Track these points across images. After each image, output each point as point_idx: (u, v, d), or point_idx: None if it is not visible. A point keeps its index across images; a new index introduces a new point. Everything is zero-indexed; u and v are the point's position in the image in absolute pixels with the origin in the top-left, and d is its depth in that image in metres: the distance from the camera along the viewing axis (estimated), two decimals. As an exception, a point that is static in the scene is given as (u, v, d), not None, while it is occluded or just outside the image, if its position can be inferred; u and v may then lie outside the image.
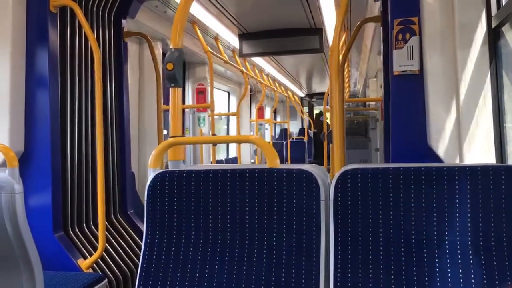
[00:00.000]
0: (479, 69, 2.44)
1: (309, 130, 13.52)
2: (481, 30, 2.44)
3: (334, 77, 2.68)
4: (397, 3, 2.69)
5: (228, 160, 9.19)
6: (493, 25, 2.41)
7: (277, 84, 10.87)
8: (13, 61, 2.88)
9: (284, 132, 13.95)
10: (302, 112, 14.59)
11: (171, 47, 2.05)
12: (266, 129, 12.96)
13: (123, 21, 3.81)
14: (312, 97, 16.50)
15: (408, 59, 2.64)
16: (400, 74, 2.65)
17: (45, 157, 2.92)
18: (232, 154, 10.00)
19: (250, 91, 10.30)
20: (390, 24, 2.69)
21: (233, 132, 10.19)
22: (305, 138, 12.61)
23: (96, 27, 3.46)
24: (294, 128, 16.81)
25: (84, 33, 3.24)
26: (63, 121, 3.10)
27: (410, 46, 2.64)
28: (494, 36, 2.43)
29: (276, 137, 15.57)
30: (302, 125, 15.52)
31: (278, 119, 15.92)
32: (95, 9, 3.42)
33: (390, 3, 2.71)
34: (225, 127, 10.59)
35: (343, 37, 4.72)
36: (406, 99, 2.68)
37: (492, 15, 2.43)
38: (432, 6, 2.57)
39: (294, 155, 11.71)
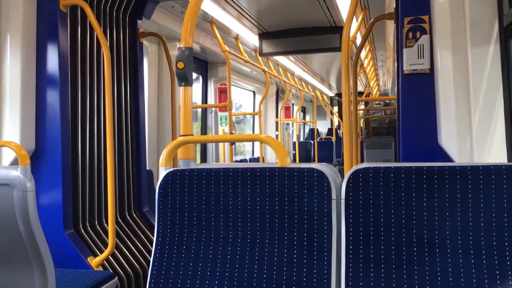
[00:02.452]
0: (491, 68, 2.39)
1: (338, 130, 13.38)
2: (493, 28, 2.39)
3: (344, 76, 2.67)
4: (407, 1, 2.66)
5: (252, 160, 9.18)
6: (505, 23, 2.36)
7: (303, 84, 10.80)
8: (23, 60, 2.92)
9: (311, 132, 13.85)
10: (331, 112, 14.50)
11: (181, 46, 2.01)
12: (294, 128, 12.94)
13: (139, 21, 3.84)
14: (342, 97, 16.26)
15: (418, 58, 2.61)
16: (410, 73, 2.63)
17: (55, 155, 2.94)
18: (257, 154, 9.99)
19: (278, 91, 10.26)
20: (400, 22, 2.66)
21: (257, 131, 10.19)
22: (333, 138, 12.50)
23: (110, 27, 3.48)
24: (324, 128, 16.70)
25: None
26: (75, 119, 3.12)
27: (420, 45, 2.61)
28: (506, 35, 2.38)
29: (305, 136, 15.51)
30: (331, 125, 15.43)
31: (308, 118, 15.82)
32: (108, 9, 3.45)
33: (401, 1, 2.68)
34: (251, 126, 10.59)
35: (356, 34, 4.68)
36: (416, 98, 2.65)
37: (504, 13, 2.38)
38: (443, 4, 2.54)
39: (321, 155, 11.62)
